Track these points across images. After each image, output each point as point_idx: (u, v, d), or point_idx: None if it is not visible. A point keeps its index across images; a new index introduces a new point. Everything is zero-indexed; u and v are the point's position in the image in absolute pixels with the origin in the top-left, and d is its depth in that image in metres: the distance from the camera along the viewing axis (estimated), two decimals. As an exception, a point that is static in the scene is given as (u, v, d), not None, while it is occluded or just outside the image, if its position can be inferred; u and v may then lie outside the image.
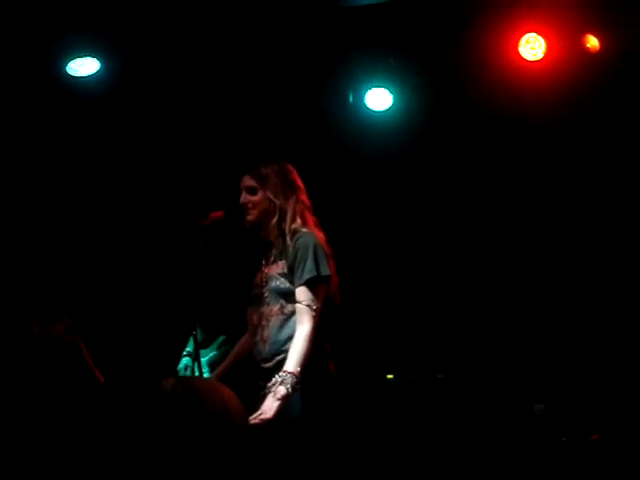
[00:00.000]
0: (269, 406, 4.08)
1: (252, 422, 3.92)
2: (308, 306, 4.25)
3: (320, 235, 4.43)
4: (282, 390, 4.10)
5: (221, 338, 5.26)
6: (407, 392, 5.87)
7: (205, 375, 4.86)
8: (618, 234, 6.07)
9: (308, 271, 4.28)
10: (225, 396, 2.07)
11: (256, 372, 4.44)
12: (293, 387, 4.10)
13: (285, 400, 4.09)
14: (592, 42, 5.66)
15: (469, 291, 6.33)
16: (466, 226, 6.37)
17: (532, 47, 5.75)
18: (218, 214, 4.52)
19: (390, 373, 6.01)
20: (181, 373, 5.13)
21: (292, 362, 4.15)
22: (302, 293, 4.28)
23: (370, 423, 5.80)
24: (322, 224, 4.57)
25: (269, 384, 4.15)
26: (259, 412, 4.07)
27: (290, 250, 4.35)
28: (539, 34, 5.72)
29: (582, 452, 5.39)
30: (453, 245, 6.39)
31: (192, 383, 2.11)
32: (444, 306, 6.37)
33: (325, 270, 4.31)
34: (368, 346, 6.35)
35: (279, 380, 4.11)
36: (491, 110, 5.99)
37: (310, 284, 4.28)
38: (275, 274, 4.39)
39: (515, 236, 6.29)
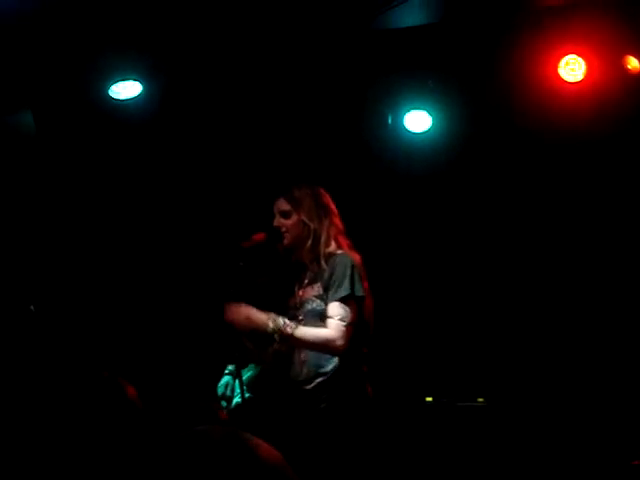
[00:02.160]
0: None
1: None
2: (340, 320, 4.24)
3: (356, 257, 4.42)
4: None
5: None
6: (446, 415, 5.84)
7: (245, 395, 4.89)
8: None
9: (343, 289, 4.28)
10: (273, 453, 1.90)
11: (293, 394, 4.45)
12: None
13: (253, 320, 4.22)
14: (633, 63, 5.62)
15: (510, 313, 6.28)
16: (506, 247, 6.34)
17: (572, 69, 5.71)
18: (260, 236, 4.53)
19: (429, 396, 5.98)
20: (221, 390, 5.14)
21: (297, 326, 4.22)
22: (335, 308, 4.27)
23: (408, 446, 5.78)
24: (360, 244, 4.57)
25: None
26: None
27: (326, 272, 4.35)
28: (579, 55, 5.68)
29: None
30: (494, 266, 6.35)
31: (238, 432, 1.93)
32: (484, 328, 6.33)
33: (360, 291, 4.30)
34: (408, 369, 6.34)
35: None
36: (530, 132, 5.95)
37: (343, 301, 4.27)
38: (311, 297, 4.40)
39: (557, 255, 6.22)
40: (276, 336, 4.24)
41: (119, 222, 6.31)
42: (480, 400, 5.89)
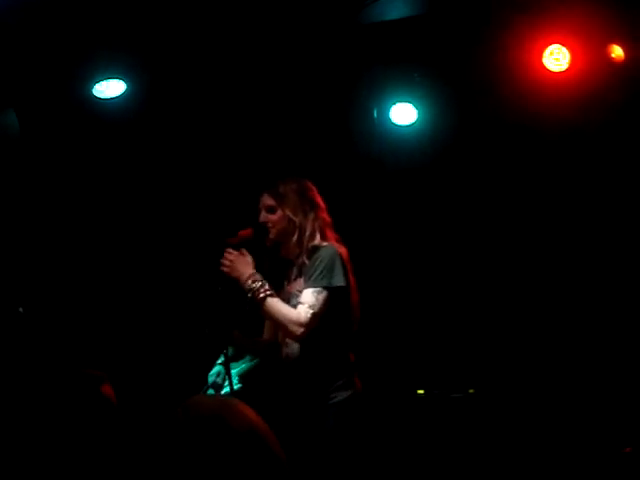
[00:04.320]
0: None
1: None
2: (309, 307, 4.21)
3: (342, 250, 4.39)
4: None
5: None
6: (438, 407, 5.84)
7: (235, 385, 4.90)
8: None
9: (319, 278, 4.25)
10: (246, 413, 1.96)
11: (281, 387, 4.45)
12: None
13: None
14: (617, 52, 5.61)
15: (498, 305, 6.28)
16: (494, 238, 6.34)
17: (556, 58, 5.70)
18: (247, 232, 4.52)
19: (420, 388, 5.99)
20: (213, 378, 5.16)
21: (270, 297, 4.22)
22: (307, 295, 4.25)
23: (399, 439, 5.78)
24: (347, 237, 4.55)
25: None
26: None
27: (309, 265, 4.33)
28: (563, 45, 5.67)
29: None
30: (483, 258, 6.35)
31: (210, 404, 1.99)
32: (474, 319, 6.33)
33: (338, 281, 4.26)
34: (399, 361, 6.34)
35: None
36: (517, 122, 5.95)
37: (317, 290, 4.24)
38: (295, 291, 4.38)
39: (543, 246, 6.22)
40: (249, 295, 4.25)
41: (104, 220, 6.30)
42: (471, 391, 5.90)
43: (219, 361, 5.17)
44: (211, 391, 5.04)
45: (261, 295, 4.24)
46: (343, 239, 4.52)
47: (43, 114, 5.98)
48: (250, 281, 4.26)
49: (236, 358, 5.13)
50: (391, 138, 6.23)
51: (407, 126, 6.20)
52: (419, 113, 6.17)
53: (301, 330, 4.20)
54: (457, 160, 6.31)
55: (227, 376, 4.71)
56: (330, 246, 4.36)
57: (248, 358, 5.23)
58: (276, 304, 4.26)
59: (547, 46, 5.68)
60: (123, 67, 5.92)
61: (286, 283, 4.49)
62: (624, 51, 5.59)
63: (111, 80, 5.91)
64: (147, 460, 1.87)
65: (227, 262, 4.30)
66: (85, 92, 5.88)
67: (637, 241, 5.99)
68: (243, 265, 4.29)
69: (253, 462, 1.83)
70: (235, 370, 5.11)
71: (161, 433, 1.87)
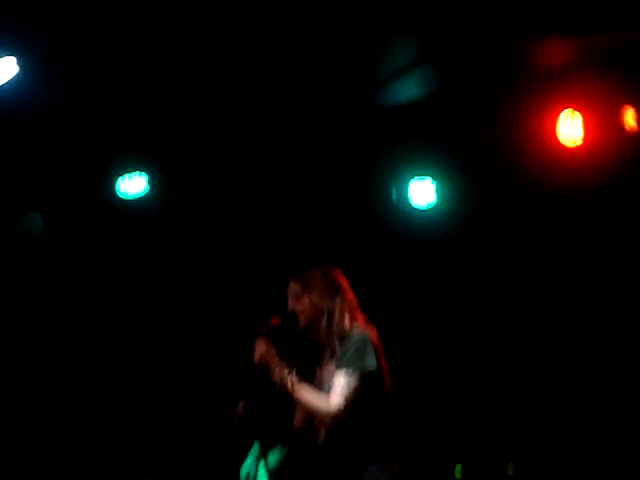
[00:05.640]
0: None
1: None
2: (340, 393, 4.19)
3: (371, 332, 4.39)
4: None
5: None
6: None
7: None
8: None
9: (351, 362, 4.23)
10: None
11: (319, 475, 4.41)
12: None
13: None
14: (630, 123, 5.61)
15: (528, 377, 6.24)
16: (518, 311, 6.33)
17: (570, 124, 5.71)
18: (275, 321, 4.54)
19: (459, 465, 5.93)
20: (246, 470, 5.12)
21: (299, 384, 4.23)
22: (338, 381, 4.23)
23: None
24: (373, 316, 4.52)
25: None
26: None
27: (341, 350, 4.32)
28: (576, 112, 5.68)
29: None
30: (509, 331, 6.33)
31: None
32: (503, 391, 6.29)
33: (369, 365, 4.24)
34: (435, 439, 6.29)
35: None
36: (535, 194, 5.96)
37: (348, 373, 4.22)
38: (327, 376, 4.37)
39: (569, 318, 6.20)
40: (279, 385, 4.26)
41: (138, 316, 6.36)
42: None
43: (251, 451, 5.11)
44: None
45: (289, 384, 4.25)
46: (370, 318, 4.52)
47: (68, 216, 6.07)
48: (278, 371, 4.28)
49: (267, 447, 5.08)
50: (411, 219, 6.26)
51: (426, 208, 6.23)
52: (438, 192, 6.18)
53: (331, 417, 4.20)
54: (478, 237, 6.31)
55: (265, 464, 4.66)
56: (360, 330, 4.35)
57: (278, 447, 5.17)
58: (305, 392, 4.26)
59: (559, 116, 5.69)
60: (145, 164, 6.03)
61: (318, 368, 4.48)
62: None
63: (133, 176, 6.03)
64: None
65: (256, 354, 4.32)
66: (107, 192, 5.99)
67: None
68: (270, 356, 4.32)
69: None
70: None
71: None
